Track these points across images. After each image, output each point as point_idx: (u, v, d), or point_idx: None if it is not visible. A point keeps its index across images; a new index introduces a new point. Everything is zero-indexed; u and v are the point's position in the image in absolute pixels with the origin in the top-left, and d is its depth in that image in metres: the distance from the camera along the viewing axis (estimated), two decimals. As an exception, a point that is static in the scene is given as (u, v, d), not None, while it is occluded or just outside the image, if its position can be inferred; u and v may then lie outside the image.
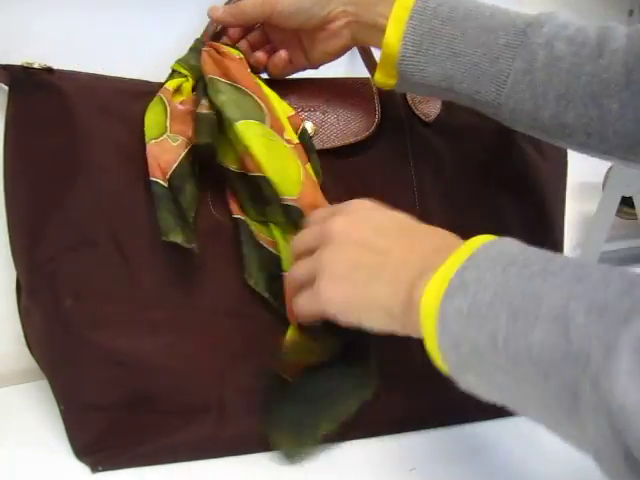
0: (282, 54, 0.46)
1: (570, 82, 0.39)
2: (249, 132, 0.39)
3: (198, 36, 0.46)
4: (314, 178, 0.42)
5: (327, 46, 0.45)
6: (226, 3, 0.46)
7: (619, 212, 0.97)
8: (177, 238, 0.37)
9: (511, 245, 0.29)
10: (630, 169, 0.93)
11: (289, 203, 0.39)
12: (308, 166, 0.42)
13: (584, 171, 1.04)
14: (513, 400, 0.27)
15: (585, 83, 0.38)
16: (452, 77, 0.41)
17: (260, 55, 0.46)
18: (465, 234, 0.47)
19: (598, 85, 0.38)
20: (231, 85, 0.41)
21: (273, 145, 0.40)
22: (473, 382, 0.28)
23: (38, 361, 0.42)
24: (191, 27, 0.51)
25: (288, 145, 0.41)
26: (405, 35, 0.41)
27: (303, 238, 0.38)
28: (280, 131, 0.41)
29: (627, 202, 0.96)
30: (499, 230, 0.48)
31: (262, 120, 0.40)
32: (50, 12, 0.48)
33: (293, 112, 0.44)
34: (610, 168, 0.97)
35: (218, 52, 0.43)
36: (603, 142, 0.39)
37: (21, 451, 0.37)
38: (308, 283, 0.35)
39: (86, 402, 0.37)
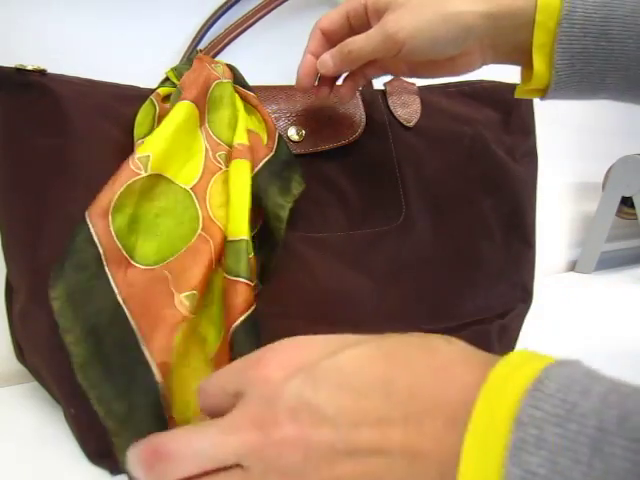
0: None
1: None
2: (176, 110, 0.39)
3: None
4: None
5: (454, 70, 0.42)
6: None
7: (619, 212, 0.97)
8: None
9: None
10: (630, 169, 0.93)
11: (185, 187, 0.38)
12: (238, 161, 0.41)
13: (584, 171, 1.05)
14: None
15: None
16: (614, 89, 0.38)
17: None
18: (447, 230, 0.50)
19: None
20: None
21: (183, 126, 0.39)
22: None
23: (33, 365, 0.41)
24: (187, 34, 0.52)
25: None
26: (555, 62, 0.37)
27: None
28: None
29: (627, 202, 0.96)
30: (478, 225, 0.52)
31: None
32: (46, 15, 0.48)
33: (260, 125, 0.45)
34: (610, 168, 0.97)
35: (202, 64, 0.43)
36: None
37: (21, 451, 0.37)
38: None
39: None
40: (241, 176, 0.40)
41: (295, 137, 0.47)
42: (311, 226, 0.45)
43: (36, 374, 0.42)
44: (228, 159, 0.41)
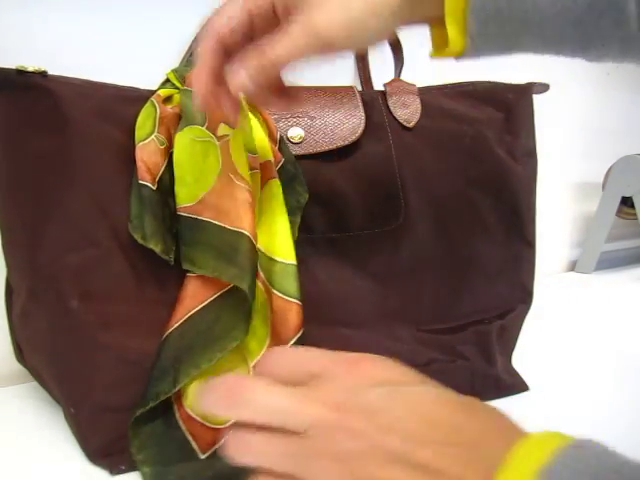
0: None
1: None
2: (181, 140, 0.40)
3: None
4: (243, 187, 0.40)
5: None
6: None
7: (619, 212, 0.97)
8: (157, 247, 0.38)
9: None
10: (630, 169, 0.93)
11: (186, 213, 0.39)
12: (272, 182, 0.42)
13: (584, 171, 1.04)
14: None
15: None
16: (530, 48, 0.37)
17: None
18: (447, 230, 0.51)
19: None
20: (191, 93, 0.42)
21: (200, 147, 0.40)
22: None
23: (33, 366, 0.41)
24: (187, 34, 0.52)
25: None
26: (468, 28, 0.35)
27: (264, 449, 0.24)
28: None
29: (627, 202, 0.96)
30: (478, 225, 0.52)
31: (202, 124, 0.41)
32: (47, 16, 0.48)
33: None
34: (610, 168, 0.97)
35: None
36: None
37: (20, 451, 0.37)
38: None
39: (99, 404, 0.37)
40: (277, 198, 0.42)
41: (295, 139, 0.47)
42: (311, 228, 0.45)
43: (36, 374, 0.42)
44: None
